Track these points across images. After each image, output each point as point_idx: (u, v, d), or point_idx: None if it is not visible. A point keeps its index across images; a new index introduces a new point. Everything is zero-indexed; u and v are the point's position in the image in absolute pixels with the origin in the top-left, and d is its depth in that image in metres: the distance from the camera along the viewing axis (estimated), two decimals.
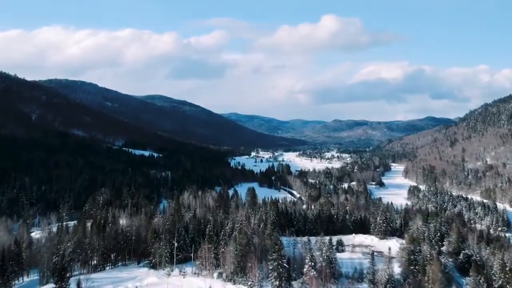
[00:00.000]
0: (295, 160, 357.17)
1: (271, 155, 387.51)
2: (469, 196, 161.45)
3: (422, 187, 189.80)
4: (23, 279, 64.44)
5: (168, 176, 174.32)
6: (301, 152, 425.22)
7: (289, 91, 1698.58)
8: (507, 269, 54.86)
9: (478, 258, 64.85)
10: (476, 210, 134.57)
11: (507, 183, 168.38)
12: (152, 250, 67.64)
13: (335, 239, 73.35)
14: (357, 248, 75.76)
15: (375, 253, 63.66)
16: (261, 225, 78.24)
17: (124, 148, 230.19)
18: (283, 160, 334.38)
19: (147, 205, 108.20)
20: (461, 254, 67.49)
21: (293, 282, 56.43)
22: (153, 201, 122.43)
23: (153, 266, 66.21)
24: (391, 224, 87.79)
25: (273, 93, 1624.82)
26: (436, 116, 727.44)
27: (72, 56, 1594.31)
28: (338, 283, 57.57)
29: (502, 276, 53.98)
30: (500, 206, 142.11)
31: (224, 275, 59.48)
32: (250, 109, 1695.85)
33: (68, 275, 58.48)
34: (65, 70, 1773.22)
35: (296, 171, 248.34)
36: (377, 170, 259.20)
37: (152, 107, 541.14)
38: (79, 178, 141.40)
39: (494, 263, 58.56)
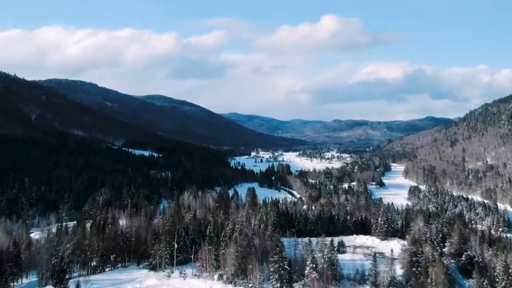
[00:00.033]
0: (295, 160, 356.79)
1: (271, 155, 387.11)
2: (469, 197, 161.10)
3: (423, 187, 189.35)
4: (21, 281, 63.93)
5: (168, 176, 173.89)
6: (301, 152, 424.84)
7: (289, 91, 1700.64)
8: (510, 271, 54.31)
9: (480, 259, 64.40)
10: (477, 211, 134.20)
11: (508, 183, 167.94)
12: (152, 251, 67.22)
13: (336, 240, 72.96)
14: (358, 249, 75.36)
15: (376, 254, 63.19)
16: (261, 226, 77.74)
17: (124, 148, 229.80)
18: (283, 160, 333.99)
19: (147, 206, 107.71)
20: (463, 256, 66.97)
21: (295, 284, 55.98)
22: (153, 202, 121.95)
23: (153, 268, 65.78)
24: (392, 225, 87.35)
25: (273, 93, 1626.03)
26: (436, 116, 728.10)
27: (72, 56, 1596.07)
28: (340, 285, 57.17)
29: (505, 278, 53.41)
30: (500, 206, 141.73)
31: (224, 277, 59.02)
32: (250, 109, 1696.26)
33: (67, 276, 58.27)
34: (65, 70, 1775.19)
35: (296, 171, 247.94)
36: (377, 170, 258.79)
37: (152, 107, 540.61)
38: (79, 178, 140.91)
39: (497, 264, 58.03)
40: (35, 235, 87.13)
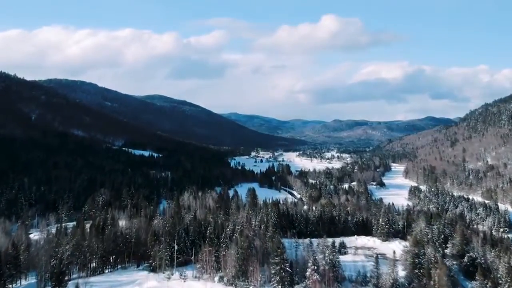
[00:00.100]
0: (295, 160, 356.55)
1: (271, 155, 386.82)
2: (470, 197, 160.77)
3: (423, 187, 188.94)
4: (20, 283, 63.38)
5: (168, 176, 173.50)
6: (301, 152, 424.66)
7: (289, 91, 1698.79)
8: None
9: (483, 261, 63.88)
10: (478, 211, 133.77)
11: (508, 184, 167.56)
12: (152, 253, 66.71)
13: (337, 241, 72.53)
14: (360, 250, 74.74)
15: (378, 255, 62.71)
16: (262, 227, 77.26)
17: (123, 148, 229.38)
18: (283, 160, 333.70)
19: (146, 206, 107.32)
20: (466, 257, 66.40)
21: (296, 286, 55.37)
22: (153, 202, 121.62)
23: (153, 269, 65.29)
24: (394, 226, 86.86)
25: (273, 93, 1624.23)
26: (436, 116, 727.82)
27: (72, 56, 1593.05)
28: (341, 287, 56.60)
29: (509, 280, 53.02)
30: (501, 206, 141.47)
31: (225, 279, 58.52)
32: (250, 109, 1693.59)
33: (66, 278, 57.74)
34: (65, 70, 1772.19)
35: (296, 171, 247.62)
36: (378, 170, 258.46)
37: (152, 107, 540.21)
38: (79, 178, 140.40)
39: (500, 266, 57.59)
40: (34, 235, 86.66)
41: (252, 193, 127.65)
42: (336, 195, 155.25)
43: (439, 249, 69.66)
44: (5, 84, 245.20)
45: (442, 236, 74.42)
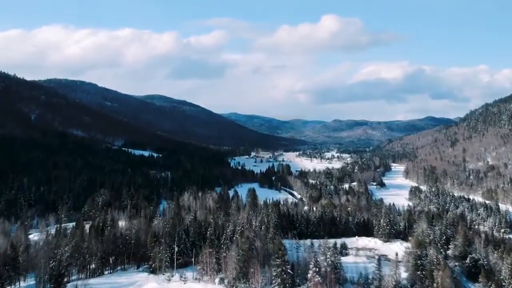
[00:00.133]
0: (295, 160, 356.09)
1: (271, 155, 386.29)
2: (470, 197, 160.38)
3: (423, 187, 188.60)
4: (19, 284, 62.70)
5: (168, 176, 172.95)
6: (301, 152, 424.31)
7: (289, 91, 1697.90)
8: None
9: (485, 262, 63.41)
10: (479, 211, 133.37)
11: (509, 184, 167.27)
12: (152, 254, 66.09)
13: (338, 242, 72.02)
14: (361, 252, 74.10)
15: (380, 257, 62.22)
16: (262, 228, 76.72)
17: (123, 148, 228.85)
18: (283, 160, 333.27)
19: (146, 207, 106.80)
20: (468, 258, 65.93)
21: None
22: (153, 202, 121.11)
23: (153, 271, 64.70)
24: (395, 227, 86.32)
25: (273, 93, 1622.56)
26: (436, 116, 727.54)
27: (72, 55, 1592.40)
28: None
29: None
30: (502, 207, 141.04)
31: (226, 280, 57.98)
32: (250, 109, 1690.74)
33: (65, 280, 57.19)
34: (64, 70, 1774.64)
35: (296, 171, 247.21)
36: (378, 170, 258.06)
37: (152, 107, 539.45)
38: (78, 178, 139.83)
39: (503, 268, 57.11)
40: (34, 236, 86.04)
41: (252, 194, 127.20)
42: (336, 196, 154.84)
43: (441, 250, 69.22)
44: (5, 84, 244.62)
45: (444, 237, 73.92)
